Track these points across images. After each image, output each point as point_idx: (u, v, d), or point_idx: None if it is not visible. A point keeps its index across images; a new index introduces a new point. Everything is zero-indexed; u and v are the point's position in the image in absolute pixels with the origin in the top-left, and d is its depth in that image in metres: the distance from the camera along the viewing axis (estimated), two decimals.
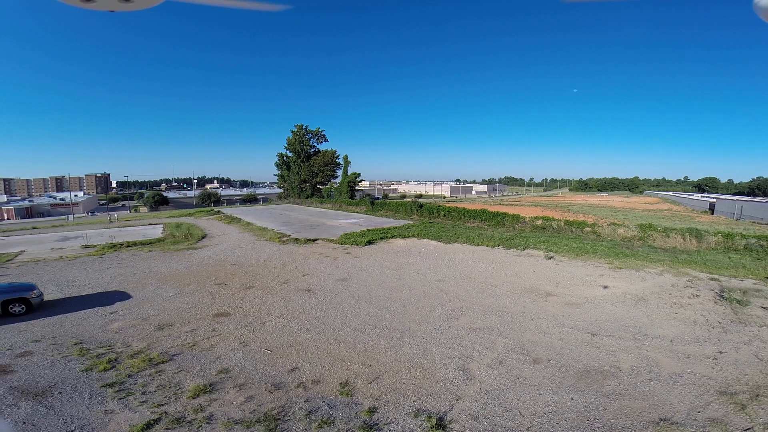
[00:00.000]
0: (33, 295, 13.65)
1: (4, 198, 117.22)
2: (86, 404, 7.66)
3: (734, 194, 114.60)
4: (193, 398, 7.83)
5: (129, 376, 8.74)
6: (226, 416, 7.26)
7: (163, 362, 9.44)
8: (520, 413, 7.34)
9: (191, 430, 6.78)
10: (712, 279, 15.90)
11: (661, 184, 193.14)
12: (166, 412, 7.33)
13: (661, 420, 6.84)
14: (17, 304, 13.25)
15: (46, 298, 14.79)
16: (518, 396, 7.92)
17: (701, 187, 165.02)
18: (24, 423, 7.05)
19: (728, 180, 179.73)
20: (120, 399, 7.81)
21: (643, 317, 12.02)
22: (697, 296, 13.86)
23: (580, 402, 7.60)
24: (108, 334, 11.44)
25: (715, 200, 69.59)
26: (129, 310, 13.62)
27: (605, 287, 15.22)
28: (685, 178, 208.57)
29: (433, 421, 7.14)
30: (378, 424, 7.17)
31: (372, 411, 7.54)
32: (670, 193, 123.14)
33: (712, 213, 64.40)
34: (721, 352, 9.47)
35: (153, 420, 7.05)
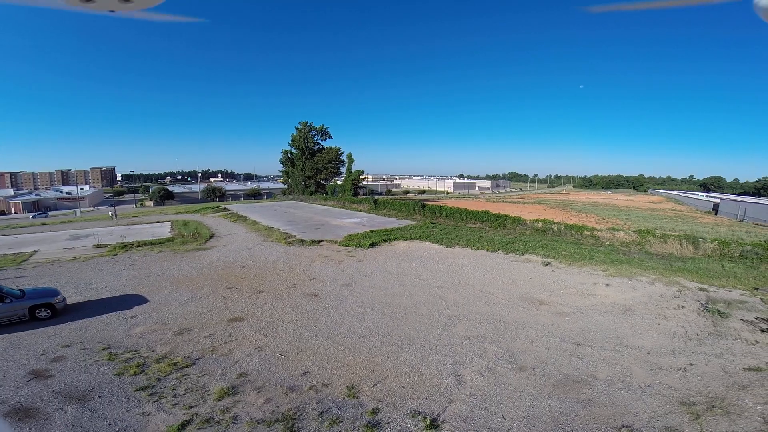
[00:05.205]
0: (57, 301, 14.50)
1: (11, 192, 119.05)
2: (125, 407, 8.67)
3: (739, 194, 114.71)
4: (218, 400, 8.86)
5: (158, 379, 9.77)
6: (249, 416, 8.29)
7: (187, 366, 10.47)
8: (503, 416, 8.34)
9: (220, 430, 7.83)
10: (700, 289, 16.71)
11: (666, 183, 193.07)
12: (196, 414, 8.35)
13: (623, 426, 7.81)
14: (43, 309, 14.11)
15: (67, 301, 15.51)
16: (503, 401, 8.91)
17: (707, 186, 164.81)
18: (74, 426, 8.05)
19: (734, 179, 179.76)
20: (154, 402, 8.83)
21: (627, 328, 12.94)
22: (682, 307, 14.72)
23: (556, 408, 8.57)
24: (132, 338, 12.46)
25: (719, 200, 69.99)
26: (148, 314, 14.63)
27: (607, 284, 16.15)
28: (691, 176, 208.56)
29: (428, 421, 8.15)
30: (380, 423, 8.17)
31: (375, 412, 8.55)
32: (675, 192, 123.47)
33: (716, 213, 64.87)
34: (691, 364, 10.40)
35: (186, 421, 8.08)
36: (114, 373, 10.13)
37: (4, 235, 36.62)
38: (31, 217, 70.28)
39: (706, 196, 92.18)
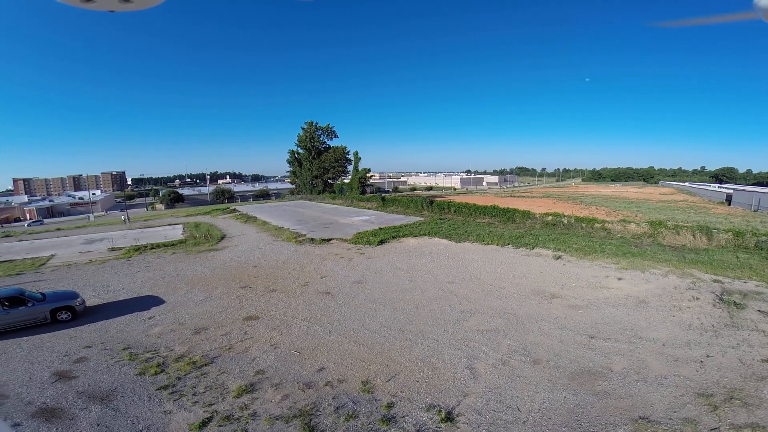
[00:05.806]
0: (77, 303, 14.86)
1: (25, 198, 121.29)
2: (147, 406, 8.90)
3: (753, 185, 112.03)
4: (237, 397, 9.05)
5: (178, 378, 10.00)
6: (267, 413, 8.47)
7: (205, 365, 10.69)
8: (518, 409, 8.40)
9: (240, 427, 8.01)
10: (715, 281, 16.48)
11: (677, 174, 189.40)
12: (216, 411, 8.55)
13: (640, 418, 7.81)
14: (64, 312, 14.47)
15: (86, 303, 15.80)
16: (518, 394, 8.96)
17: (719, 177, 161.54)
18: (98, 425, 8.27)
19: (747, 170, 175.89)
20: (175, 400, 9.04)
21: (641, 320, 12.85)
22: (697, 299, 14.56)
23: (571, 400, 8.60)
24: (151, 339, 12.74)
25: (732, 191, 68.50)
26: (165, 315, 14.91)
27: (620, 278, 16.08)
28: (702, 167, 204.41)
29: (443, 414, 8.24)
30: (395, 417, 8.28)
31: (390, 406, 8.66)
32: (686, 183, 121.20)
33: (729, 204, 63.51)
34: (708, 356, 10.32)
35: (207, 418, 8.27)
36: (135, 373, 10.39)
37: (21, 240, 37.51)
38: (26, 225, 71.29)
39: (719, 187, 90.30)
